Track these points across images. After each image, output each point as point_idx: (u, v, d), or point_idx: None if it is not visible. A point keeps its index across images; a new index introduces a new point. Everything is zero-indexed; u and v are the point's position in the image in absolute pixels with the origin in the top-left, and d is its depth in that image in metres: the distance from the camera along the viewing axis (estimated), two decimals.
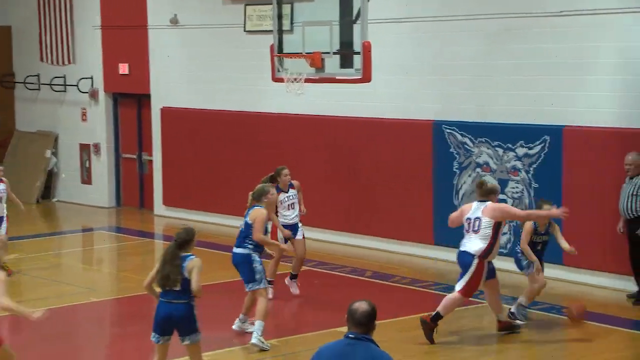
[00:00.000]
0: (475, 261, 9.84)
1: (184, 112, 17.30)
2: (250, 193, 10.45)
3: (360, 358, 5.27)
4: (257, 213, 10.15)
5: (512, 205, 12.50)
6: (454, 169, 13.58)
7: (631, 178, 11.29)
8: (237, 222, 15.57)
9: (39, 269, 14.07)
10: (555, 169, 12.51)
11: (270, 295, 11.02)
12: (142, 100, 18.36)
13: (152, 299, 8.43)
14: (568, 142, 12.41)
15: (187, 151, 17.27)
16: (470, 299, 10.28)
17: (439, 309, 9.89)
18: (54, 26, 19.63)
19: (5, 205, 13.37)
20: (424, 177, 13.80)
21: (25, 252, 15.04)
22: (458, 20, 13.38)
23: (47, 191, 20.13)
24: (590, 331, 10.48)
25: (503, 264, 11.65)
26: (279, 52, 11.82)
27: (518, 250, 10.65)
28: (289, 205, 11.77)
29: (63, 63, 19.64)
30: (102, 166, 19.13)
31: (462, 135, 13.49)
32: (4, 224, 13.22)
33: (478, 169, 13.32)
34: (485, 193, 10.16)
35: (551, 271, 11.52)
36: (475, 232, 9.88)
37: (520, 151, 12.88)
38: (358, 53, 10.96)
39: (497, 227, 9.88)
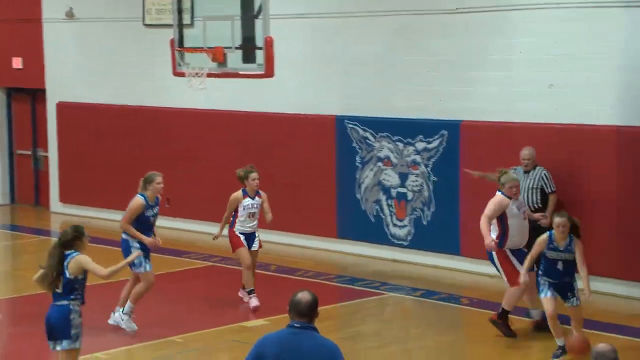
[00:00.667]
0: (494, 254, 10.02)
1: (82, 107, 17.06)
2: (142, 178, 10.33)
3: (306, 346, 5.36)
4: (134, 201, 10.20)
5: (412, 197, 12.83)
6: (357, 163, 13.73)
7: (527, 172, 11.48)
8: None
9: None
10: (453, 163, 12.71)
11: (256, 303, 10.94)
12: (37, 95, 18.06)
13: (48, 299, 8.17)
14: (465, 136, 12.67)
15: (84, 147, 17.04)
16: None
17: (503, 304, 9.94)
18: None
19: None
20: (328, 171, 13.95)
21: None
22: (359, 17, 13.53)
23: None
24: None
25: None
26: (179, 46, 11.70)
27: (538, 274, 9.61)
28: (250, 214, 11.19)
29: None
30: None
31: (363, 130, 13.65)
32: None
33: (379, 163, 13.51)
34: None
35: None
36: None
37: (420, 145, 13.09)
38: (260, 48, 10.93)
39: (500, 218, 9.98)
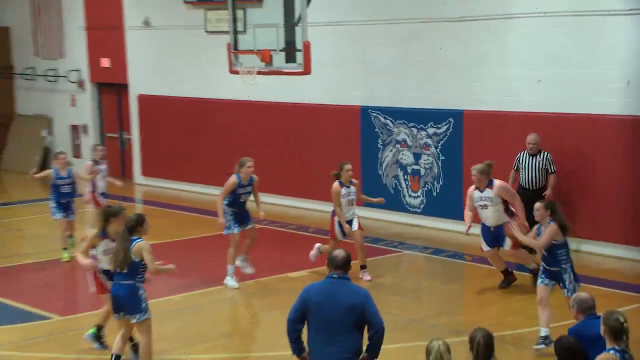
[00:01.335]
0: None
1: (157, 99, 16.92)
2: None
3: (343, 291, 5.45)
4: (230, 179, 9.92)
5: (424, 173, 12.54)
6: (379, 145, 13.48)
7: (533, 155, 10.98)
8: (202, 189, 15.69)
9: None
10: (458, 145, 12.50)
11: (368, 277, 10.11)
12: (122, 89, 17.90)
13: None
14: (467, 123, 12.40)
15: (160, 130, 16.93)
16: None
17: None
18: (46, 27, 19.09)
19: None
20: (354, 152, 13.63)
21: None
22: (378, 24, 13.25)
23: (44, 163, 19.63)
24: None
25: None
26: (234, 49, 11.55)
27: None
28: (348, 201, 10.13)
29: (55, 58, 19.11)
30: (89, 143, 18.66)
31: (384, 118, 13.39)
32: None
33: (397, 145, 13.24)
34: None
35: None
36: None
37: (431, 130, 12.83)
38: (300, 50, 10.75)
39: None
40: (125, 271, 7.17)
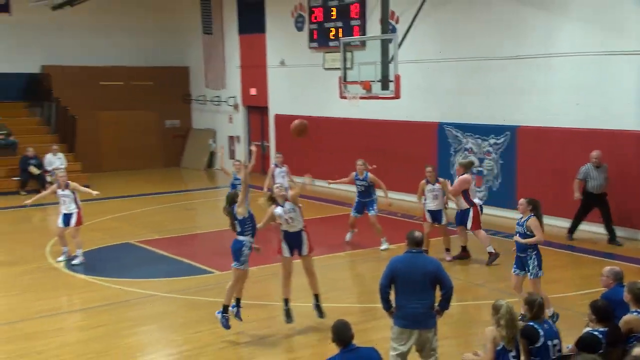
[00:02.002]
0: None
1: (287, 117, 17.06)
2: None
3: (420, 261, 5.23)
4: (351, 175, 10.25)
5: (487, 173, 12.07)
6: (451, 152, 13.12)
7: (597, 167, 10.20)
8: (325, 184, 15.64)
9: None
10: (512, 153, 12.04)
11: (449, 258, 9.47)
12: (263, 110, 18.19)
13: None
14: (520, 135, 11.91)
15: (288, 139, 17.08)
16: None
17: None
18: (214, 66, 19.60)
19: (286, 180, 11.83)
20: (432, 158, 13.29)
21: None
22: (449, 62, 12.93)
23: (210, 162, 20.32)
24: None
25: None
26: (344, 80, 11.58)
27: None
28: (433, 195, 9.50)
29: (219, 88, 19.63)
30: (241, 148, 19.15)
31: (455, 131, 13.02)
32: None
33: (465, 152, 12.85)
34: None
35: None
36: None
37: (492, 141, 12.40)
38: (392, 81, 10.71)
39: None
40: (238, 229, 6.72)
